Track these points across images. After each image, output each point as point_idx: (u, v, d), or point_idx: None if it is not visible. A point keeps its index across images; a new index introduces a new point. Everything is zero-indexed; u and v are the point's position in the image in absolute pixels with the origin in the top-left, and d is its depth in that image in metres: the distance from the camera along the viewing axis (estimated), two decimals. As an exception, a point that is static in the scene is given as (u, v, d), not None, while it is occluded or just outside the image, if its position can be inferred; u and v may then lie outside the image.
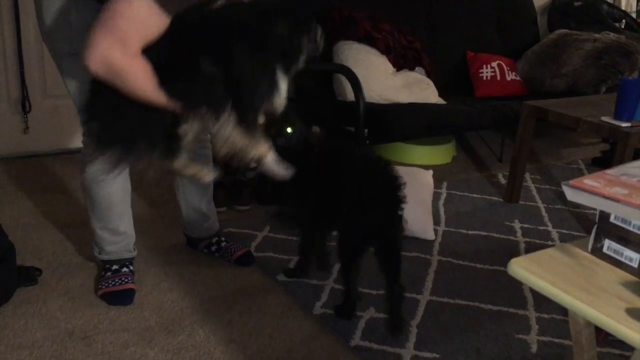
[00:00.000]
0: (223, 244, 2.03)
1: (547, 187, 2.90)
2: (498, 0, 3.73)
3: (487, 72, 3.36)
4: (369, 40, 2.94)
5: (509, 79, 3.38)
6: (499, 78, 3.36)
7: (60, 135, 2.94)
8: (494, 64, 3.39)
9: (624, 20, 3.94)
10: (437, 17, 3.45)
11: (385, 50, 2.98)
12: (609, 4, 4.01)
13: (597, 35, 3.41)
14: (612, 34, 3.45)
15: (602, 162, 3.17)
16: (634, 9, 4.47)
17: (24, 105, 2.80)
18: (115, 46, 1.19)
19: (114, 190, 1.72)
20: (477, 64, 3.41)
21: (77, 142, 2.84)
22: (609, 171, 0.91)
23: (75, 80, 1.56)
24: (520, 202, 2.67)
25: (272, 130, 1.55)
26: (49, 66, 2.71)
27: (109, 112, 1.32)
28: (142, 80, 1.24)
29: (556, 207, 2.65)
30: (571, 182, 0.89)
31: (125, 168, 1.55)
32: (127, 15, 1.18)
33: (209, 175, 1.59)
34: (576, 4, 3.91)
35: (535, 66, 3.47)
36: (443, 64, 3.34)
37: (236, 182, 2.53)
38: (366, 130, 2.50)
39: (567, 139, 3.79)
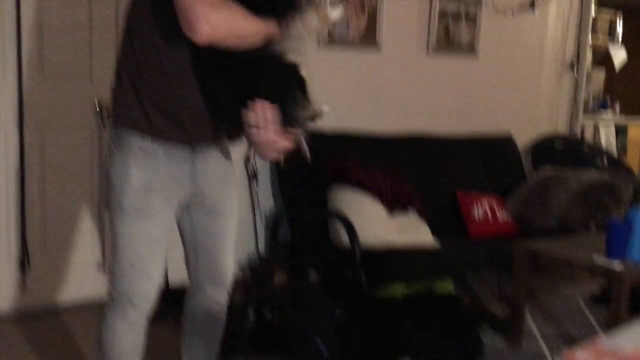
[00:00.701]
0: None
1: (550, 330, 2.86)
2: (482, 141, 3.93)
3: (478, 212, 3.46)
4: (361, 185, 3.06)
5: (500, 217, 3.47)
6: (490, 217, 3.44)
7: (60, 290, 2.92)
8: (484, 203, 3.50)
9: (605, 159, 4.12)
10: (425, 161, 3.61)
11: (378, 195, 3.09)
12: (589, 145, 4.23)
13: (581, 175, 3.55)
14: (595, 173, 3.60)
15: (602, 300, 3.16)
16: (614, 145, 4.70)
17: (23, 262, 2.80)
18: (208, 7, 1.35)
19: (128, 343, 1.68)
20: (468, 202, 3.51)
21: (78, 295, 2.87)
22: (602, 342, 0.92)
23: (120, 236, 1.58)
24: (524, 347, 2.62)
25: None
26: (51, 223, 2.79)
27: None
28: (244, 17, 1.42)
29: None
30: (566, 353, 0.90)
31: None
32: None
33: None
34: (557, 145, 4.12)
35: (524, 205, 3.57)
36: (434, 204, 3.44)
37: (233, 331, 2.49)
38: (363, 276, 2.52)
39: (564, 272, 3.79)
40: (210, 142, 1.66)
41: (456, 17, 3.85)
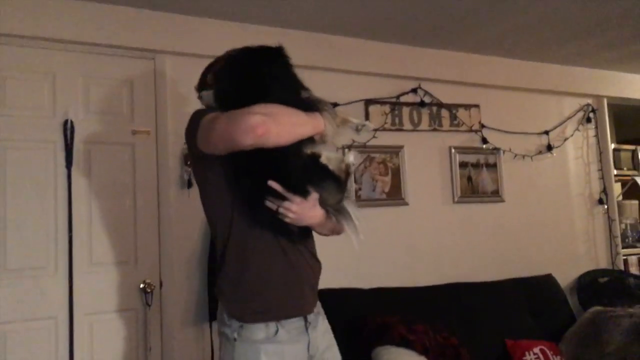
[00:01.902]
0: None
1: None
2: (524, 284, 3.87)
3: (531, 359, 3.32)
4: (405, 343, 3.00)
5: (555, 363, 3.31)
6: (545, 364, 3.29)
7: None
8: (537, 350, 3.36)
9: (654, 290, 3.99)
10: (468, 310, 3.55)
11: (423, 351, 3.01)
12: (634, 276, 4.12)
13: (631, 310, 3.43)
14: (645, 306, 3.47)
15: None
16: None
17: None
18: (250, 110, 1.50)
19: None
20: (518, 352, 3.38)
21: None
22: None
23: None
24: None
25: None
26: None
27: None
28: (292, 117, 1.57)
29: None
30: None
31: None
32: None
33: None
34: (601, 280, 4.03)
35: (578, 347, 3.42)
36: (483, 355, 3.32)
37: None
38: None
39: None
40: (314, 304, 1.79)
41: (476, 166, 4.02)
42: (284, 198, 1.65)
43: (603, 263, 4.44)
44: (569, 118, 4.45)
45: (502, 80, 4.10)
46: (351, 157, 1.72)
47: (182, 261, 3.00)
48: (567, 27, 3.54)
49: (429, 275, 3.62)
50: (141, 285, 2.90)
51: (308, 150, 1.68)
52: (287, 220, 1.67)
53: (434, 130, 3.83)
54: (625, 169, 5.07)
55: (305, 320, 1.75)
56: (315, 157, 1.69)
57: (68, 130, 2.80)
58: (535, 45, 3.85)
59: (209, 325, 2.96)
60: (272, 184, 1.63)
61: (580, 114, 4.52)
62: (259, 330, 1.66)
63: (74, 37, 2.81)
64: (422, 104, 3.78)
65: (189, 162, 3.02)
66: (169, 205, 2.99)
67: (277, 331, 1.67)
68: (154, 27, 2.98)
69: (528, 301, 3.80)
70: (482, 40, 3.72)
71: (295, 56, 3.19)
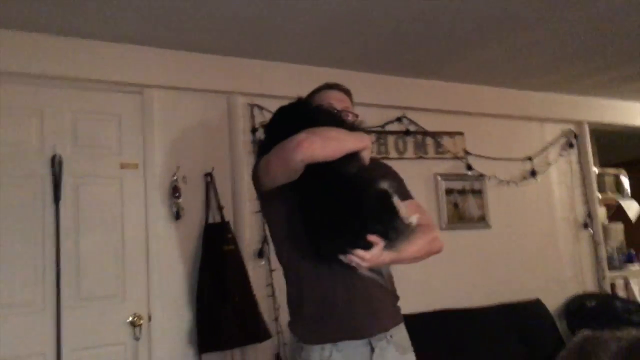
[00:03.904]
0: None
1: None
2: (513, 310, 3.88)
3: (521, 385, 3.32)
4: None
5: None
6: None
7: None
8: (526, 376, 3.37)
9: (641, 312, 4.02)
10: (457, 337, 3.56)
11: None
12: (621, 299, 4.15)
13: (619, 334, 3.46)
14: (633, 330, 3.50)
15: None
16: (649, 297, 4.60)
17: None
18: (306, 141, 1.60)
19: None
20: (508, 378, 3.39)
21: None
22: None
23: None
24: None
25: None
26: None
27: None
28: (333, 132, 1.64)
29: None
30: None
31: None
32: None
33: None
34: (589, 304, 4.06)
35: (567, 373, 3.43)
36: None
37: None
38: None
39: None
40: (384, 332, 1.77)
41: (462, 192, 4.07)
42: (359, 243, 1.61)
43: (590, 286, 4.48)
44: (551, 144, 4.54)
45: (485, 107, 4.17)
46: (414, 219, 1.68)
47: (172, 293, 3.00)
48: (547, 55, 3.63)
49: (417, 303, 3.63)
50: (130, 319, 2.89)
51: (380, 185, 1.68)
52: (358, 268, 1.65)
53: (420, 158, 3.89)
54: (609, 192, 5.15)
55: (370, 345, 1.75)
56: (388, 195, 1.67)
57: (56, 165, 2.81)
58: (517, 73, 3.94)
59: (199, 358, 2.95)
60: (373, 238, 1.59)
61: (563, 139, 4.61)
62: (315, 352, 1.73)
63: (62, 73, 2.85)
64: (407, 132, 3.84)
65: (177, 194, 3.04)
66: (157, 238, 3.00)
67: (330, 355, 1.71)
68: (141, 62, 3.03)
69: (517, 327, 3.81)
70: (465, 70, 3.80)
71: (282, 88, 3.27)
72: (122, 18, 2.72)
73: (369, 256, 1.59)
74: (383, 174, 1.89)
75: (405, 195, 1.90)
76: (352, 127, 1.80)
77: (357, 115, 1.96)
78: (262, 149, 1.82)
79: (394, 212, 1.63)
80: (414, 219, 1.65)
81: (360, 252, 1.58)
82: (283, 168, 1.66)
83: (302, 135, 1.61)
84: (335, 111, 1.86)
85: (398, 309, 1.90)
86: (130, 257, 2.96)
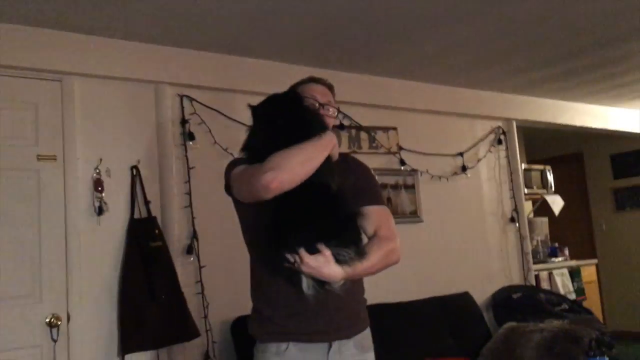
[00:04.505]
0: None
1: None
2: (443, 303, 3.95)
3: (449, 378, 3.38)
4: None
5: (472, 382, 3.39)
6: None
7: None
8: (455, 367, 3.44)
9: (564, 304, 4.18)
10: (388, 331, 3.56)
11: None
12: (545, 292, 4.31)
13: (542, 325, 3.58)
14: (555, 321, 3.63)
15: None
16: (571, 289, 4.80)
17: None
18: (259, 167, 1.60)
19: None
20: (437, 369, 3.44)
21: None
22: None
23: None
24: None
25: None
26: None
27: None
28: (300, 155, 1.61)
29: None
30: None
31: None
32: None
33: None
34: (514, 296, 4.18)
35: (494, 364, 3.52)
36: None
37: None
38: None
39: None
40: (345, 333, 1.78)
41: (395, 187, 4.10)
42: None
43: (516, 279, 4.62)
44: (481, 140, 4.64)
45: (418, 103, 4.22)
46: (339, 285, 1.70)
47: (92, 293, 2.86)
48: (477, 54, 3.70)
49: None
50: (47, 320, 2.73)
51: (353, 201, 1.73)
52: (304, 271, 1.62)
53: (353, 152, 3.87)
54: (535, 187, 5.34)
55: (328, 344, 1.76)
56: (356, 217, 1.72)
57: (-35, 156, 2.62)
58: (448, 70, 4.00)
59: (121, 359, 2.83)
60: (322, 247, 1.59)
61: (492, 136, 4.73)
62: (271, 347, 1.76)
63: (-28, 57, 2.66)
64: (341, 126, 3.82)
65: (100, 188, 2.90)
66: (77, 234, 2.85)
67: (287, 347, 1.74)
68: (60, 48, 2.86)
69: (446, 319, 3.89)
70: (399, 65, 3.82)
71: (214, 79, 3.14)
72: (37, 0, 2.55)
73: (310, 262, 1.57)
74: (357, 176, 1.93)
75: (376, 199, 1.92)
76: (323, 127, 1.79)
77: (338, 109, 2.02)
78: (249, 140, 1.82)
79: (356, 236, 1.69)
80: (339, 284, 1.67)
81: (302, 252, 1.58)
82: (252, 199, 1.69)
83: (267, 177, 1.58)
84: (317, 104, 1.89)
85: (364, 315, 1.93)
86: (47, 255, 2.79)
